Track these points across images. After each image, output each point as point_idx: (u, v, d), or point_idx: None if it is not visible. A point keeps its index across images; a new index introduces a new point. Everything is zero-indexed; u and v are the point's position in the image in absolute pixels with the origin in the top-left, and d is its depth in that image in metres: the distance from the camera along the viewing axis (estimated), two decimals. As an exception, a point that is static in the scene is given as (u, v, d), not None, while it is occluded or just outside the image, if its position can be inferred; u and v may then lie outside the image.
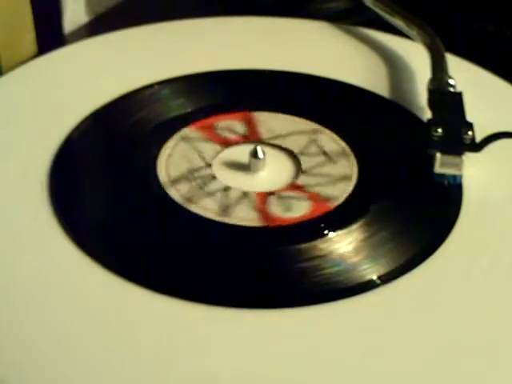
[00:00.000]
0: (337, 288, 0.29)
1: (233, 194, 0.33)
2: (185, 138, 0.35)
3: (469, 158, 0.33)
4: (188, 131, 0.35)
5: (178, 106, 0.38)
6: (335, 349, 0.27)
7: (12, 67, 0.41)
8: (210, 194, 0.32)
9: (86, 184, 0.34)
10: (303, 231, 0.31)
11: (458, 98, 0.36)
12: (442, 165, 0.33)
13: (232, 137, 0.36)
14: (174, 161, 0.34)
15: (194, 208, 0.32)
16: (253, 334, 0.27)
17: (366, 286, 0.29)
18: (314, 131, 0.36)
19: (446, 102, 0.36)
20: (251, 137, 0.36)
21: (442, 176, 0.33)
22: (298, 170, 0.34)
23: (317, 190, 0.33)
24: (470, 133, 0.33)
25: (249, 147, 0.34)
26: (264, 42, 0.43)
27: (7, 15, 0.42)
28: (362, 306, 0.28)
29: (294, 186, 0.33)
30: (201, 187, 0.33)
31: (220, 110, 0.37)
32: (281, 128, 0.36)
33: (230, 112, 0.37)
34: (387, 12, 0.43)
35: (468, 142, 0.33)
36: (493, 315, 0.28)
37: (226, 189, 0.33)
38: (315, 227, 0.31)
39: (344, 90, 0.39)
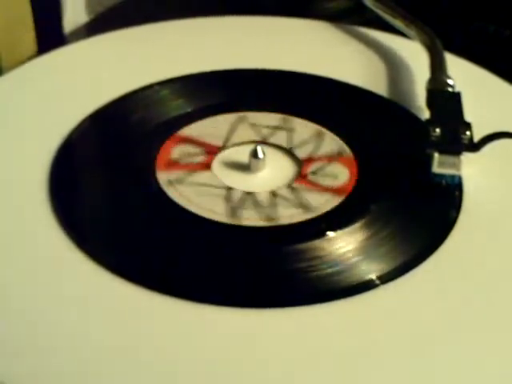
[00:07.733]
0: (337, 288, 0.29)
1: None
2: (172, 182, 0.33)
3: (467, 158, 0.33)
4: (165, 176, 0.33)
5: (178, 106, 0.38)
6: (335, 349, 0.27)
7: (12, 67, 0.41)
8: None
9: (86, 184, 0.34)
10: (303, 231, 0.31)
11: (456, 97, 0.36)
12: (440, 165, 0.33)
13: (198, 159, 0.35)
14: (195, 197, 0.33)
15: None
16: (253, 334, 0.27)
17: (366, 286, 0.29)
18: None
19: (445, 101, 0.36)
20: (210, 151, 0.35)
21: (441, 176, 0.33)
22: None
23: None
24: (468, 133, 0.33)
25: (248, 148, 0.34)
26: (264, 41, 0.43)
27: (7, 15, 0.42)
28: (362, 305, 0.28)
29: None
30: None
31: (220, 109, 0.37)
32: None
33: (169, 139, 0.35)
34: (387, 12, 0.43)
35: (466, 141, 0.33)
36: (493, 315, 0.28)
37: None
38: (315, 227, 0.31)
39: (343, 90, 0.39)
